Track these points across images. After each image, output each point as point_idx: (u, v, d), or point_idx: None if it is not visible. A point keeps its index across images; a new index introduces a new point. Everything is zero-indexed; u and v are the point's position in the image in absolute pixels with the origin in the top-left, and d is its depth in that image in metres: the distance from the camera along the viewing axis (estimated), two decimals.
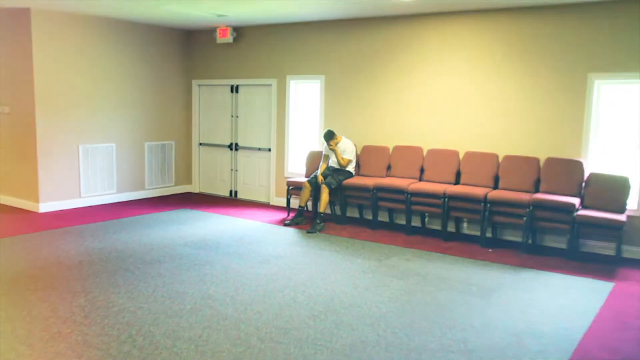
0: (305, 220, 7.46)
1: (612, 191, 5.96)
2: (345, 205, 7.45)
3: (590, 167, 6.27)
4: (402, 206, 6.87)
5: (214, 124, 9.49)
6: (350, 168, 7.45)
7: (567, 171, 6.22)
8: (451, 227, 7.00)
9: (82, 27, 7.95)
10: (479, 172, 6.73)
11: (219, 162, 9.50)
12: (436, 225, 7.15)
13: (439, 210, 6.62)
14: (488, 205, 6.27)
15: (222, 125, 9.40)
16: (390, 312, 4.32)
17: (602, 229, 5.75)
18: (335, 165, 7.46)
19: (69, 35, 7.83)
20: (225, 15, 7.72)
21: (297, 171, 8.47)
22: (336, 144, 7.35)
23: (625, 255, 6.07)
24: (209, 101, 9.52)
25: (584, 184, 6.17)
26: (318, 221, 7.06)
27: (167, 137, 9.39)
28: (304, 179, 7.61)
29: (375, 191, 7.02)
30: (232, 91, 9.18)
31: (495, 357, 3.60)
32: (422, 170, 7.16)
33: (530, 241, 6.32)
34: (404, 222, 7.26)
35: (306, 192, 7.31)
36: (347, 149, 7.42)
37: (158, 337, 3.77)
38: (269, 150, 8.80)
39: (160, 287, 4.78)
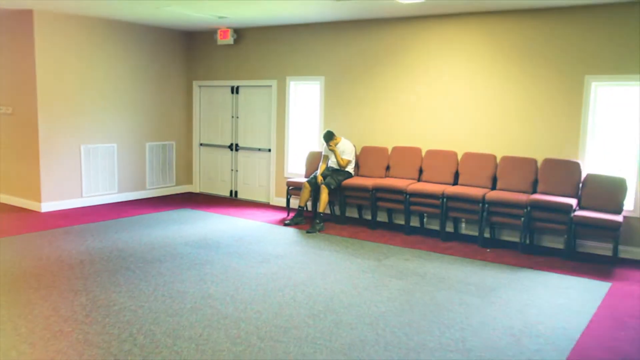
0: (304, 220, 7.47)
1: (609, 192, 5.98)
2: (344, 205, 7.46)
3: (588, 168, 6.29)
4: (401, 206, 6.88)
5: (215, 125, 9.51)
6: (350, 168, 7.46)
7: (564, 172, 6.23)
8: (450, 228, 7.01)
9: (84, 29, 7.98)
10: (477, 172, 6.74)
11: (220, 163, 9.51)
12: (435, 226, 7.15)
13: (437, 211, 6.63)
14: (486, 205, 6.28)
15: (222, 125, 9.41)
16: (389, 312, 4.33)
17: (599, 229, 5.76)
18: (335, 166, 7.47)
19: (71, 37, 7.85)
20: (226, 17, 7.73)
21: (296, 171, 8.48)
22: (336, 144, 7.36)
23: (622, 255, 6.08)
24: (210, 102, 9.54)
25: (581, 185, 6.18)
26: (317, 221, 7.07)
27: (168, 138, 9.41)
28: (303, 179, 7.63)
29: (374, 191, 7.03)
30: (232, 92, 9.20)
31: (493, 356, 3.61)
32: (420, 171, 7.18)
33: (527, 241, 6.33)
34: (402, 222, 7.28)
35: (306, 192, 7.32)
36: (347, 150, 7.43)
37: (159, 335, 3.78)
38: (269, 150, 8.82)
39: (161, 286, 4.79)
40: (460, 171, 6.90)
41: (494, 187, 6.67)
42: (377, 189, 7.01)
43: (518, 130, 6.65)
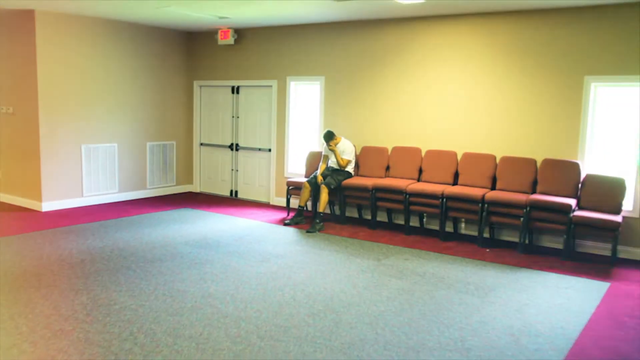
0: (304, 219, 7.49)
1: (608, 192, 5.98)
2: (344, 205, 7.47)
3: (587, 168, 6.30)
4: (401, 206, 6.89)
5: (215, 125, 9.53)
6: (350, 168, 7.47)
7: (563, 172, 6.25)
8: (449, 227, 7.03)
9: (85, 29, 7.99)
10: (477, 173, 6.75)
11: (220, 162, 9.53)
12: (434, 225, 7.18)
13: (437, 211, 6.64)
14: (486, 205, 6.29)
15: (223, 125, 9.43)
16: (388, 311, 4.34)
17: (598, 229, 5.77)
18: (335, 166, 7.48)
19: (73, 37, 7.86)
20: (226, 17, 7.74)
21: (296, 171, 8.49)
22: (336, 144, 7.37)
23: (621, 255, 6.10)
24: (210, 102, 9.56)
25: (580, 185, 6.19)
26: (317, 221, 7.08)
27: (169, 138, 9.42)
28: (303, 179, 7.63)
29: (374, 191, 7.04)
30: (233, 92, 9.22)
31: (493, 356, 3.61)
32: (420, 171, 7.19)
33: (527, 241, 6.35)
34: (402, 222, 7.30)
35: (306, 192, 7.33)
36: (347, 150, 7.44)
37: (159, 334, 3.78)
38: (269, 150, 8.84)
39: (162, 285, 4.80)
40: (460, 171, 6.90)
41: (493, 187, 6.68)
42: (377, 189, 7.02)
43: (518, 130, 6.66)
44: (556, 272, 5.50)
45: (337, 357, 3.54)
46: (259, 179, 9.05)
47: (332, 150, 7.38)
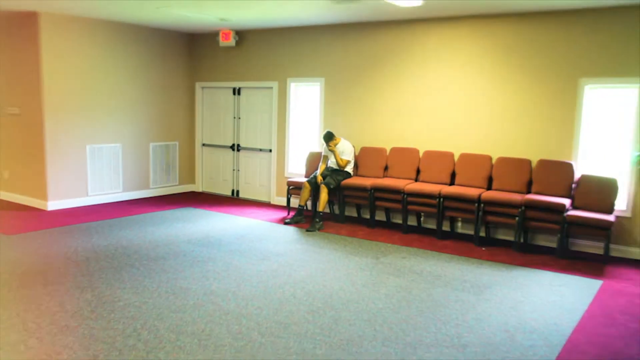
0: (304, 219, 7.51)
1: (601, 192, 6.01)
2: (343, 204, 7.49)
3: (581, 168, 6.32)
4: (399, 206, 6.91)
5: (217, 125, 9.55)
6: (349, 168, 7.50)
7: (558, 173, 6.27)
8: (446, 227, 7.06)
9: (89, 31, 8.02)
10: (473, 173, 6.77)
11: (222, 162, 9.56)
12: (431, 225, 7.21)
13: (434, 210, 6.66)
14: (482, 205, 6.31)
15: (224, 126, 9.46)
16: (386, 308, 4.36)
17: (591, 228, 5.79)
18: (334, 166, 7.51)
19: (77, 38, 7.89)
20: (228, 19, 7.76)
21: (297, 171, 8.52)
22: (335, 145, 7.39)
23: (613, 254, 6.13)
24: (212, 103, 9.58)
25: (574, 185, 6.21)
26: (317, 220, 7.10)
27: (171, 138, 9.46)
28: (303, 179, 7.66)
29: (372, 191, 7.07)
30: (234, 93, 9.25)
31: (488, 352, 3.64)
32: (418, 171, 7.20)
33: (522, 240, 6.35)
34: (400, 221, 7.33)
35: (306, 191, 7.36)
36: (346, 150, 7.46)
37: (162, 331, 3.81)
38: (270, 151, 8.87)
39: (165, 282, 4.82)
40: (456, 172, 6.93)
41: (489, 188, 6.70)
42: (376, 189, 7.05)
43: (513, 131, 6.68)
44: (550, 270, 5.53)
45: (336, 353, 3.56)
46: (260, 178, 9.09)
47: (332, 151, 7.40)
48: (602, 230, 5.74)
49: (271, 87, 8.74)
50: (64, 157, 7.90)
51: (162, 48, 9.12)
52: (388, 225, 7.42)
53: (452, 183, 6.96)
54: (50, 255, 5.57)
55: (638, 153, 5.82)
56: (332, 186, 7.25)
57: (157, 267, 5.29)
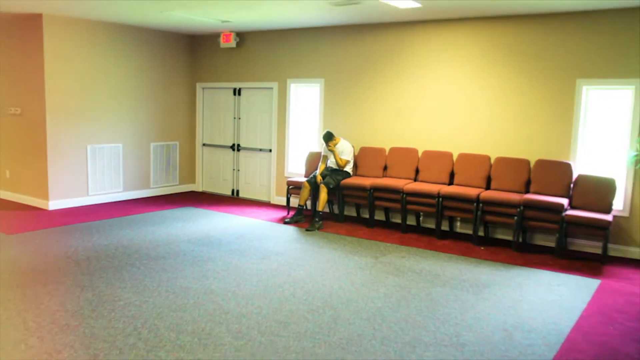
0: (304, 218, 7.53)
1: (599, 192, 6.03)
2: (343, 204, 7.52)
3: (579, 168, 6.34)
4: (398, 205, 6.93)
5: (217, 126, 9.58)
6: (348, 168, 7.51)
7: (556, 173, 6.29)
8: (445, 226, 7.09)
9: (91, 32, 8.05)
10: (472, 173, 6.79)
11: (222, 162, 9.58)
12: (430, 224, 7.23)
13: (433, 210, 6.67)
14: (480, 205, 6.33)
15: (224, 126, 9.48)
16: (385, 307, 4.37)
17: (589, 228, 5.80)
18: (334, 166, 7.53)
19: (79, 40, 7.92)
20: (229, 21, 7.78)
21: (296, 171, 8.54)
22: (335, 145, 7.40)
23: (611, 253, 6.16)
24: (213, 103, 9.60)
25: (572, 185, 6.23)
26: (317, 219, 7.12)
27: (172, 138, 9.48)
28: (303, 179, 7.67)
29: (372, 191, 7.09)
30: (234, 94, 9.27)
31: (487, 351, 3.65)
32: (417, 171, 7.22)
33: (520, 240, 6.37)
34: (399, 221, 7.34)
35: (305, 191, 7.38)
36: (345, 150, 7.48)
37: (162, 330, 3.82)
38: (270, 151, 8.89)
39: (165, 282, 4.83)
40: (455, 171, 6.94)
41: (488, 187, 6.72)
42: (375, 189, 7.06)
43: (512, 132, 6.71)
44: (548, 269, 5.55)
45: (335, 352, 3.57)
46: (260, 178, 9.11)
47: (331, 151, 7.42)
48: (600, 230, 5.76)
49: (271, 88, 8.76)
50: (65, 157, 7.93)
51: (163, 49, 9.15)
52: (387, 224, 7.44)
53: (451, 183, 6.98)
54: (51, 255, 5.58)
55: (635, 153, 5.84)
56: (331, 186, 7.27)
57: (158, 266, 5.31)
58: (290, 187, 7.85)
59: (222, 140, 9.55)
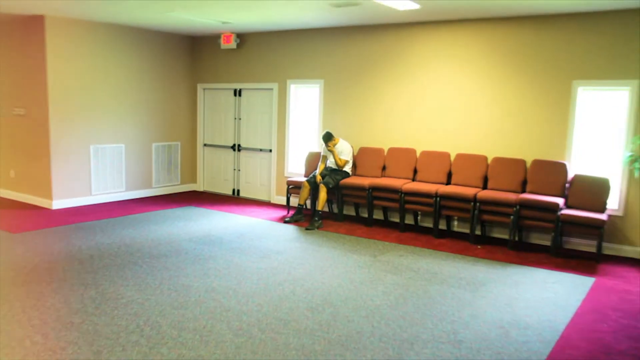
0: (304, 217, 7.56)
1: (594, 192, 6.07)
2: (342, 203, 7.54)
3: (574, 168, 6.38)
4: (396, 205, 6.96)
5: (218, 126, 9.60)
6: (347, 168, 7.54)
7: (552, 173, 6.32)
8: (442, 225, 7.12)
9: (93, 33, 8.08)
10: (469, 173, 6.82)
11: (223, 162, 9.61)
12: (428, 223, 7.25)
13: (431, 209, 6.70)
14: (477, 204, 6.36)
15: (225, 127, 9.51)
16: (384, 305, 4.40)
17: (584, 227, 5.84)
18: (333, 166, 7.56)
19: (81, 41, 7.95)
20: (229, 23, 7.81)
21: (296, 171, 8.57)
22: (334, 145, 7.43)
23: (606, 252, 6.20)
24: (213, 104, 9.63)
25: (567, 185, 6.26)
26: (316, 219, 7.15)
27: (174, 138, 9.52)
28: (303, 179, 7.71)
29: (370, 190, 7.12)
30: (235, 95, 9.31)
31: (483, 348, 3.68)
32: (415, 171, 7.25)
33: (516, 238, 6.41)
34: (397, 220, 7.38)
35: (305, 191, 7.42)
36: (345, 150, 7.50)
37: (164, 327, 3.85)
38: (270, 151, 8.92)
39: (167, 280, 4.85)
40: (453, 171, 6.98)
41: (485, 187, 6.75)
42: (374, 188, 7.09)
43: (508, 132, 6.74)
44: (544, 267, 5.58)
45: (334, 349, 3.59)
46: (260, 178, 9.14)
47: (331, 151, 7.44)
48: (594, 229, 5.79)
49: (271, 89, 8.79)
50: (68, 157, 7.97)
51: (164, 50, 9.17)
52: (386, 223, 7.47)
53: (448, 183, 7.01)
54: (54, 253, 5.61)
55: (630, 153, 5.89)
56: (331, 185, 7.30)
57: (160, 264, 5.34)
58: (290, 186, 7.88)
59: (223, 140, 9.58)
